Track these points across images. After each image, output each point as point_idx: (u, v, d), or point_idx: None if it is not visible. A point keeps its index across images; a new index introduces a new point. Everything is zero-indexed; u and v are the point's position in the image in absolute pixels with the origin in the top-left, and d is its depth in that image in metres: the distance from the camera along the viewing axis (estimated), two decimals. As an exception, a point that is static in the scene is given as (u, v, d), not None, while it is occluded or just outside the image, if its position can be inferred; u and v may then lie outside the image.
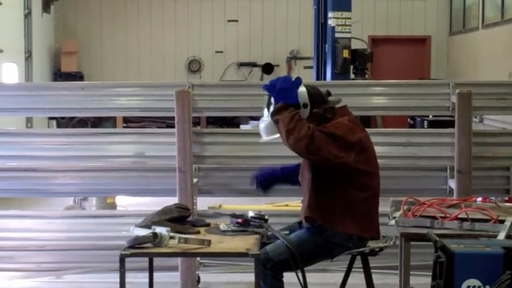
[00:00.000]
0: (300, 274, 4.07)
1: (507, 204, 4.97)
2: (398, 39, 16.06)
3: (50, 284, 6.04)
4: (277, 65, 16.22)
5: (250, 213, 4.23)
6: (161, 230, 3.78)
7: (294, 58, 16.29)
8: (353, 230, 4.30)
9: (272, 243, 4.23)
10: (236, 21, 16.30)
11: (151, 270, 4.49)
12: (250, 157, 5.93)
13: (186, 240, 3.78)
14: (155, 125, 13.56)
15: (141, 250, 3.77)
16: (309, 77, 13.50)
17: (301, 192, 4.57)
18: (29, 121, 12.92)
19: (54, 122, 14.20)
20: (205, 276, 5.99)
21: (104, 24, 16.32)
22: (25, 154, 6.00)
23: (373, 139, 4.51)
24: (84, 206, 7.76)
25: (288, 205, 7.95)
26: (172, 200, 5.07)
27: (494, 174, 5.98)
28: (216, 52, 16.32)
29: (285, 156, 4.87)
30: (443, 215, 4.19)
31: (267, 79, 15.49)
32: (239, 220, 4.15)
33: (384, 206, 4.64)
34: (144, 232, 3.85)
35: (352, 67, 11.98)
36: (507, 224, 3.99)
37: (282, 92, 4.25)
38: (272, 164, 5.88)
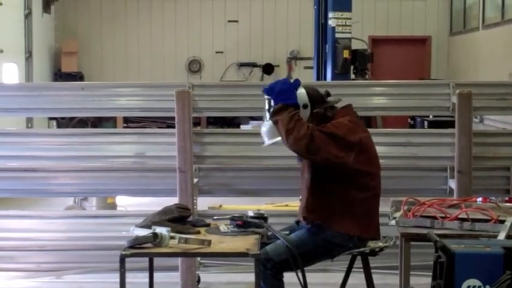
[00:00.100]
0: (300, 274, 4.07)
1: (507, 204, 4.97)
2: (399, 39, 16.06)
3: (50, 284, 6.04)
4: (278, 65, 16.23)
5: (250, 213, 4.23)
6: (161, 230, 3.78)
7: (294, 58, 16.29)
8: (353, 231, 4.30)
9: (272, 243, 4.23)
10: (236, 21, 16.30)
11: (151, 270, 4.49)
12: (250, 157, 5.93)
13: (186, 240, 3.78)
14: (155, 125, 13.57)
15: (142, 250, 3.77)
16: (309, 77, 13.52)
17: (300, 192, 4.57)
18: (29, 121, 12.93)
19: (54, 122, 14.21)
20: (205, 277, 5.99)
21: (104, 24, 16.32)
22: (25, 154, 6.01)
23: (374, 139, 4.51)
24: (85, 206, 7.76)
25: (288, 205, 7.94)
26: (173, 200, 5.07)
27: (495, 174, 5.98)
28: (217, 52, 16.32)
29: (285, 156, 4.87)
30: (443, 215, 4.19)
31: (267, 79, 15.67)
32: (239, 222, 4.15)
33: (384, 206, 4.64)
34: (144, 232, 3.85)
35: (352, 67, 11.97)
36: (507, 224, 3.99)
37: (281, 94, 4.26)
38: (272, 164, 5.92)
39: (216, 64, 16.36)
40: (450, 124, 6.08)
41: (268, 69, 16.16)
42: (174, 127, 5.73)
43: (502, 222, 4.06)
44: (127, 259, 3.72)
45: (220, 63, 16.35)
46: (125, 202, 7.99)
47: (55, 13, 15.78)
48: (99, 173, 6.06)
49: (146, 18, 16.29)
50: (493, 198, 6.07)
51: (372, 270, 4.49)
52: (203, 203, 6.32)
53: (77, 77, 15.25)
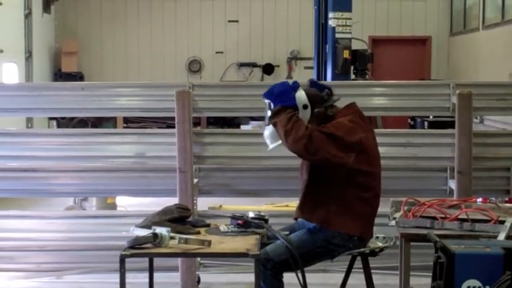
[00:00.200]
0: (300, 274, 4.07)
1: (507, 204, 4.97)
2: (399, 39, 16.06)
3: (50, 284, 6.04)
4: (278, 66, 16.22)
5: (251, 214, 4.23)
6: (161, 231, 3.78)
7: (294, 58, 16.29)
8: (354, 231, 4.30)
9: (272, 243, 4.23)
10: (236, 21, 16.30)
11: (151, 270, 4.49)
12: (250, 157, 5.94)
13: (186, 241, 3.78)
14: (155, 125, 13.57)
15: (142, 250, 3.77)
16: (309, 77, 13.48)
17: (299, 192, 4.57)
18: (29, 121, 12.92)
19: (54, 122, 14.20)
20: (205, 277, 5.99)
21: (104, 24, 16.32)
22: (25, 154, 6.01)
23: (374, 140, 4.50)
24: (85, 207, 7.75)
25: (288, 205, 7.93)
26: (173, 201, 5.07)
27: (495, 174, 5.99)
28: (217, 52, 16.31)
29: (285, 156, 4.87)
30: (443, 216, 4.20)
31: (268, 79, 15.66)
32: (239, 221, 4.15)
33: (384, 207, 4.64)
34: (144, 232, 3.85)
35: (352, 67, 11.98)
36: (507, 224, 3.99)
37: (280, 96, 4.28)
38: (272, 165, 5.92)
39: (216, 64, 16.36)
40: (450, 124, 6.08)
41: (268, 69, 16.15)
42: (174, 127, 5.73)
43: (502, 222, 4.06)
44: (127, 259, 3.72)
45: (220, 63, 16.35)
46: (125, 202, 7.99)
47: (55, 13, 15.77)
48: (99, 173, 6.06)
49: (146, 18, 16.28)
50: (493, 198, 6.07)
51: (372, 271, 4.50)
52: (203, 203, 6.32)
53: (77, 77, 15.24)
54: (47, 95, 6.16)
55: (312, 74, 12.63)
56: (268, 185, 6.03)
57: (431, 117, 11.17)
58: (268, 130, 4.38)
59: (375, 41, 15.87)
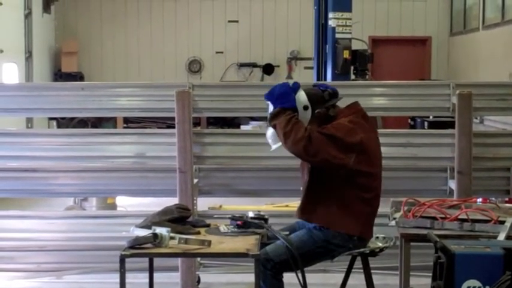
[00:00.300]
0: (300, 274, 4.07)
1: (507, 205, 4.98)
2: (399, 39, 16.06)
3: (50, 284, 6.04)
4: (278, 66, 16.22)
5: (250, 214, 4.23)
6: (161, 231, 3.78)
7: (294, 59, 16.29)
8: (354, 231, 4.30)
9: (272, 243, 4.23)
10: (236, 21, 16.30)
11: (151, 270, 4.49)
12: (250, 158, 5.94)
13: (186, 241, 3.78)
14: (155, 125, 13.58)
15: (142, 250, 3.77)
16: (309, 77, 13.52)
17: (301, 192, 4.57)
18: (29, 121, 12.92)
19: (54, 123, 14.20)
20: (205, 277, 5.99)
21: (104, 24, 16.32)
22: (25, 154, 6.01)
23: (374, 140, 4.50)
24: (85, 207, 7.75)
25: (288, 206, 7.94)
26: (173, 201, 5.07)
27: (495, 175, 5.99)
28: (217, 52, 16.31)
29: (285, 157, 4.86)
30: (443, 216, 4.20)
31: (268, 80, 15.66)
32: (239, 222, 4.15)
33: (384, 207, 4.64)
34: (144, 232, 3.85)
35: (352, 68, 11.98)
36: (507, 224, 3.99)
37: (280, 98, 4.28)
38: (272, 165, 5.92)
39: (216, 64, 16.36)
40: (450, 125, 6.08)
41: (268, 69, 16.15)
42: (174, 127, 5.72)
43: (502, 223, 4.06)
44: (127, 259, 3.73)
45: (220, 63, 16.35)
46: (125, 202, 7.99)
47: (55, 13, 15.77)
48: (99, 173, 6.06)
49: (146, 18, 16.28)
50: (493, 198, 6.07)
51: (372, 271, 4.50)
52: (203, 204, 6.32)
53: (77, 77, 15.25)
54: (47, 95, 6.16)
55: (312, 74, 12.63)
56: (268, 185, 6.03)
57: (431, 117, 11.18)
58: (270, 131, 4.38)
59: (375, 41, 15.87)
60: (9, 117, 8.09)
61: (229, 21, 16.29)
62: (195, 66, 16.40)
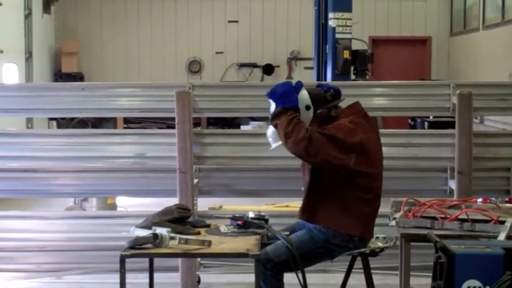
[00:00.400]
0: (300, 275, 4.07)
1: (507, 205, 4.98)
2: (399, 40, 16.06)
3: (50, 284, 6.04)
4: (278, 66, 16.22)
5: (251, 214, 4.23)
6: (161, 231, 3.78)
7: (294, 59, 16.29)
8: (354, 231, 4.30)
9: (272, 243, 4.23)
10: (236, 21, 16.30)
11: (151, 270, 4.49)
12: (250, 158, 5.94)
13: (186, 241, 3.78)
14: (156, 125, 13.58)
15: (142, 251, 3.77)
16: (309, 77, 13.51)
17: (302, 193, 4.57)
18: (29, 122, 12.92)
19: (54, 123, 14.21)
20: (205, 277, 5.99)
21: (105, 25, 16.32)
22: (25, 155, 6.01)
23: (374, 140, 4.49)
24: (85, 207, 7.76)
25: (288, 206, 7.94)
26: (173, 201, 5.07)
27: (495, 175, 5.99)
28: (217, 53, 16.31)
29: (286, 157, 4.86)
30: (443, 216, 4.19)
31: (268, 80, 15.67)
32: (239, 222, 4.15)
33: (384, 207, 4.64)
34: (144, 233, 3.85)
35: (352, 68, 11.98)
36: (507, 224, 3.99)
37: (282, 97, 4.28)
38: (272, 165, 5.92)
39: (216, 64, 16.36)
40: (450, 125, 6.08)
41: (268, 69, 16.15)
42: (174, 128, 5.72)
43: (502, 223, 4.06)
44: (127, 260, 3.72)
45: (220, 63, 16.35)
46: (125, 203, 7.99)
47: (55, 13, 15.77)
48: (99, 173, 6.06)
49: (146, 18, 16.29)
50: (493, 198, 6.07)
51: (372, 271, 4.49)
52: (203, 204, 6.32)
53: (77, 77, 15.25)
54: (47, 95, 6.16)
55: (312, 75, 12.63)
56: (268, 185, 6.03)
57: (431, 117, 11.18)
58: (271, 129, 4.38)
59: (375, 41, 15.88)
60: (9, 117, 8.09)
61: (229, 22, 16.29)
62: (195, 67, 16.40)
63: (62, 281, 6.08)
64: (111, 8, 16.29)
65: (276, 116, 4.25)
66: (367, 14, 15.63)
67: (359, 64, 12.23)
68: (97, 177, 6.05)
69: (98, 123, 13.98)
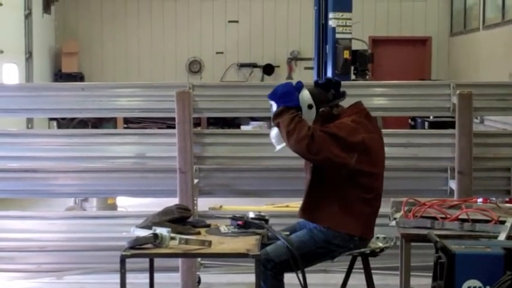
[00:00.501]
0: (300, 275, 4.07)
1: (508, 205, 4.98)
2: (399, 40, 16.06)
3: (50, 284, 6.04)
4: (278, 66, 16.22)
5: (251, 214, 4.23)
6: (162, 231, 3.78)
7: (294, 59, 16.28)
8: (354, 231, 4.30)
9: (273, 244, 4.22)
10: (237, 22, 16.30)
11: (151, 271, 4.49)
12: (251, 158, 5.94)
13: (186, 241, 3.78)
14: (156, 125, 13.57)
15: (142, 251, 3.77)
16: (309, 77, 13.50)
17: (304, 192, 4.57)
18: (29, 122, 12.92)
19: (54, 123, 14.21)
20: (205, 277, 5.99)
21: (105, 25, 16.32)
22: (26, 155, 6.01)
23: (374, 140, 4.49)
24: (85, 207, 7.75)
25: (288, 206, 7.94)
26: (173, 201, 5.07)
27: (495, 175, 5.99)
28: (217, 53, 16.31)
29: (286, 157, 4.87)
30: (443, 216, 4.19)
31: (268, 80, 15.66)
32: (239, 222, 4.15)
33: (384, 207, 4.64)
34: (144, 233, 3.85)
35: (352, 68, 11.98)
36: (508, 224, 3.99)
37: (283, 97, 4.29)
38: (273, 165, 5.92)
39: (216, 64, 16.36)
40: (450, 125, 6.08)
41: (268, 69, 16.15)
42: (174, 128, 5.73)
43: (503, 223, 4.06)
44: (127, 260, 3.72)
45: (220, 63, 16.35)
46: (125, 203, 7.99)
47: (55, 13, 15.77)
48: (99, 173, 6.06)
49: (146, 18, 16.28)
50: (494, 199, 6.07)
51: (373, 271, 4.49)
52: (203, 204, 6.32)
53: (77, 77, 15.24)
54: (47, 95, 6.16)
55: (312, 75, 12.63)
56: (268, 185, 6.03)
57: (431, 117, 11.18)
58: (274, 131, 4.38)
59: (375, 41, 15.87)
60: (10, 117, 8.09)
61: (229, 22, 16.29)
62: (195, 67, 16.40)
63: (62, 281, 6.08)
64: (111, 8, 16.28)
65: (277, 114, 4.25)
66: (367, 14, 15.63)
67: (359, 64, 12.22)
68: (97, 177, 6.05)
69: (98, 123, 13.98)
